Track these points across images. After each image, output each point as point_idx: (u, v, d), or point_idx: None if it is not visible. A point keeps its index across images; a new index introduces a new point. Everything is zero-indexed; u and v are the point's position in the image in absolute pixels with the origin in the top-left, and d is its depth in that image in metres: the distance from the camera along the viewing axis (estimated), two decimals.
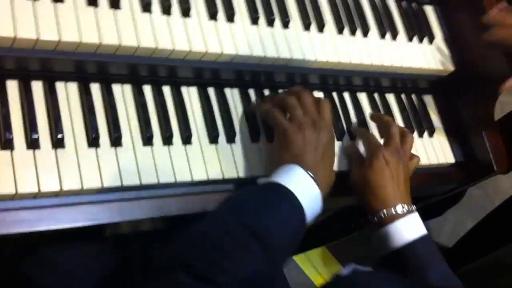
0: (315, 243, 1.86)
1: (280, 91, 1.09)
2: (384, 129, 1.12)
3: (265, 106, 1.02)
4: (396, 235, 0.99)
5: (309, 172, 0.90)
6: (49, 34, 0.82)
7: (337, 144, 1.10)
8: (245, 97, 1.05)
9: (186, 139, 0.95)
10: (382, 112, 1.21)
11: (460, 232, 2.42)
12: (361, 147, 1.13)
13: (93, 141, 0.86)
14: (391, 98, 1.26)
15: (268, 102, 1.03)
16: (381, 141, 1.11)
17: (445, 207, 2.35)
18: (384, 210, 1.00)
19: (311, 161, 0.93)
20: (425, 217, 2.24)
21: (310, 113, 0.98)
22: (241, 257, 0.76)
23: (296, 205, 0.86)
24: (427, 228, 2.35)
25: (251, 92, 1.06)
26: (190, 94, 0.99)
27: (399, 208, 1.00)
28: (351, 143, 1.13)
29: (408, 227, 0.99)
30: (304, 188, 0.88)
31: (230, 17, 1.01)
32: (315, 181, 0.90)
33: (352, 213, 1.56)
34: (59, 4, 0.84)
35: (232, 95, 1.04)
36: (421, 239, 0.99)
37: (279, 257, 0.83)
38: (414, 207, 1.02)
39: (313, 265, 2.18)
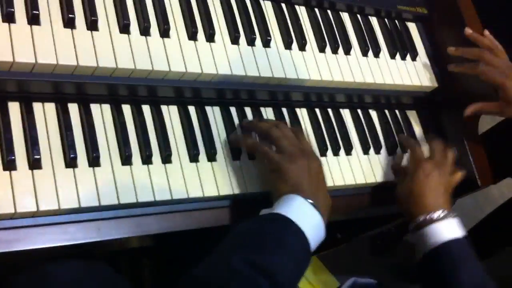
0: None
1: (262, 108, 1.10)
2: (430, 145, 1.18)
3: (249, 139, 1.03)
4: (432, 236, 1.04)
5: (309, 200, 0.91)
6: (25, 57, 0.82)
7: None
8: (226, 115, 1.05)
9: (166, 158, 0.95)
10: (366, 128, 1.22)
11: None
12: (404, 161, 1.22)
13: (70, 161, 0.87)
14: (374, 114, 1.26)
15: (249, 134, 1.04)
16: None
17: None
18: (423, 215, 1.06)
19: (309, 189, 0.94)
20: None
21: (295, 142, 1.00)
22: None
23: (301, 237, 0.87)
24: None
25: (233, 110, 1.06)
26: (170, 113, 1.00)
27: (437, 213, 1.05)
28: (394, 161, 1.22)
29: (444, 229, 1.04)
30: (307, 216, 0.90)
31: (211, 36, 1.01)
32: (316, 207, 0.91)
33: (339, 226, 1.56)
34: (35, 27, 0.85)
35: (213, 113, 1.04)
36: (457, 241, 1.03)
37: None
38: (454, 214, 1.07)
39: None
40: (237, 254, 0.81)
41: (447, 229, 1.05)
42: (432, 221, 1.05)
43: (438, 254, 1.03)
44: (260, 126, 1.04)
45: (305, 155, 0.99)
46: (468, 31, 1.24)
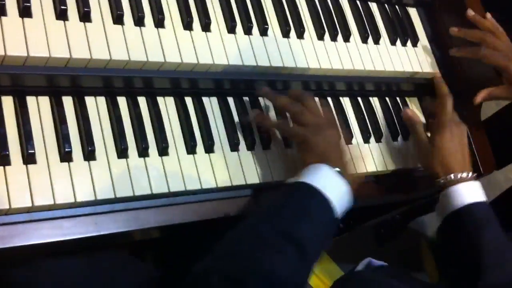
0: None
1: (261, 98, 1.08)
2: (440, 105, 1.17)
3: (272, 123, 1.04)
4: (456, 197, 1.05)
5: (336, 169, 0.92)
6: (17, 50, 0.81)
7: None
8: (224, 106, 1.03)
9: (163, 150, 0.94)
10: (366, 116, 1.20)
11: None
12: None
13: (65, 155, 0.86)
14: (375, 101, 1.24)
15: (267, 114, 1.06)
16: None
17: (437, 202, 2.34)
18: (452, 175, 1.07)
19: (336, 158, 0.95)
20: (419, 213, 2.24)
21: (318, 113, 1.00)
22: (276, 262, 0.78)
23: (327, 204, 0.87)
24: (422, 223, 2.36)
25: (231, 101, 1.05)
26: (167, 104, 0.98)
27: (464, 174, 1.07)
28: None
29: (470, 190, 1.06)
30: (333, 185, 0.90)
31: (206, 26, 0.99)
32: (342, 176, 0.92)
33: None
34: (27, 19, 0.83)
35: (211, 104, 1.03)
36: (479, 204, 1.05)
37: (313, 260, 0.85)
38: (475, 176, 1.09)
39: None
40: (264, 222, 0.83)
41: (472, 190, 1.06)
42: (458, 181, 1.07)
43: (463, 214, 1.04)
44: (279, 100, 1.03)
45: (331, 125, 1.00)
46: (470, 12, 1.23)
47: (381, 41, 1.22)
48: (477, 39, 1.20)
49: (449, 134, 1.11)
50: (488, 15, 1.24)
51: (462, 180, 1.07)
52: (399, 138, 1.23)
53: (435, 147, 1.12)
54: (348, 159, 1.02)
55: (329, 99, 1.17)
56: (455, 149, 1.11)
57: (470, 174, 1.09)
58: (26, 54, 0.81)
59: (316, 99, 1.12)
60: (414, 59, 1.25)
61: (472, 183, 1.08)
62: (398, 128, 1.23)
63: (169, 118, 0.97)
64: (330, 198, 0.87)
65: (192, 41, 0.97)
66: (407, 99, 1.29)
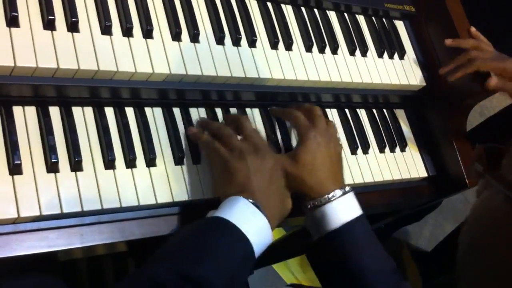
0: (290, 254, 1.85)
1: (248, 109, 1.08)
2: (308, 114, 1.05)
3: (203, 137, 0.97)
4: (333, 217, 0.96)
5: (254, 202, 0.86)
6: (3, 60, 0.80)
7: None
8: (212, 117, 1.03)
9: (150, 161, 0.94)
10: (353, 127, 1.20)
11: (439, 236, 2.43)
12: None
13: (52, 166, 0.85)
14: (362, 113, 1.25)
15: (203, 130, 0.99)
16: None
17: (424, 212, 2.36)
18: (323, 195, 0.97)
19: (256, 189, 0.89)
20: (404, 222, 2.24)
21: (251, 139, 0.94)
22: None
23: (239, 239, 0.82)
24: (406, 232, 2.36)
25: (219, 112, 1.05)
26: (155, 115, 0.98)
27: (337, 192, 0.97)
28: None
29: (345, 208, 0.97)
30: (248, 219, 0.84)
31: (195, 37, 0.99)
32: (261, 210, 0.86)
33: None
34: (14, 29, 0.83)
35: (199, 114, 1.02)
36: (358, 220, 0.97)
37: None
38: (349, 188, 0.99)
39: (291, 271, 2.17)
40: (163, 264, 0.76)
41: (348, 207, 0.97)
42: (329, 200, 0.97)
43: (340, 235, 0.95)
44: (212, 124, 0.99)
45: (260, 153, 0.92)
46: (448, 42, 1.24)
47: (368, 53, 1.22)
48: (472, 46, 1.21)
49: (314, 145, 0.99)
50: (473, 28, 1.26)
51: (339, 196, 0.97)
52: (386, 150, 1.24)
53: (299, 164, 0.99)
54: (277, 188, 0.94)
55: None
56: (324, 161, 0.99)
57: (346, 187, 0.99)
58: (13, 64, 0.81)
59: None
60: (401, 72, 1.26)
61: (346, 198, 0.98)
62: (385, 140, 1.24)
63: (156, 128, 0.97)
64: (246, 233, 0.82)
65: (181, 51, 0.97)
66: (394, 110, 1.30)
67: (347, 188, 0.99)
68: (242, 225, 0.82)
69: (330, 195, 0.97)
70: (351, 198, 0.99)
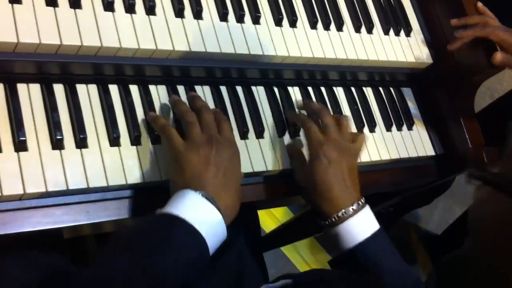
0: (299, 236, 1.85)
1: (253, 87, 1.08)
2: (318, 118, 1.03)
3: (159, 121, 0.92)
4: (347, 235, 0.95)
5: (205, 194, 0.83)
6: (6, 36, 0.80)
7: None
8: (217, 95, 1.03)
9: (155, 139, 0.94)
10: (360, 106, 1.20)
11: (449, 219, 2.43)
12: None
13: (57, 142, 0.85)
14: (369, 91, 1.24)
15: (162, 116, 0.95)
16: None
17: (433, 195, 2.35)
18: (336, 214, 0.95)
19: (209, 182, 0.85)
20: (414, 206, 2.24)
21: (208, 130, 0.90)
22: None
23: (193, 236, 0.79)
24: (416, 216, 2.35)
25: (223, 90, 1.05)
26: (159, 93, 0.98)
27: (350, 209, 0.95)
28: (293, 141, 1.07)
29: (359, 226, 0.95)
30: (200, 213, 0.81)
31: (198, 13, 0.99)
32: (212, 202, 0.83)
33: None
34: (16, 5, 0.83)
35: (203, 92, 1.02)
36: (373, 237, 0.95)
37: None
38: (364, 200, 0.98)
39: (300, 254, 2.18)
40: (120, 256, 0.75)
41: (363, 224, 0.96)
42: (345, 218, 0.95)
43: (356, 254, 0.94)
44: (178, 107, 0.94)
45: (214, 144, 0.88)
46: (453, 22, 1.23)
47: (374, 30, 1.21)
48: (479, 22, 1.20)
49: (323, 164, 0.96)
50: (479, 3, 1.24)
51: (353, 213, 0.95)
52: (393, 128, 1.23)
53: (312, 182, 0.97)
54: (232, 181, 0.89)
55: (323, 88, 1.17)
56: (336, 179, 0.96)
57: (360, 202, 0.96)
58: (16, 40, 0.81)
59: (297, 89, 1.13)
60: (407, 48, 1.25)
61: (360, 215, 0.95)
62: (392, 118, 1.23)
63: (160, 106, 0.97)
64: (198, 228, 0.79)
65: (184, 28, 0.96)
66: (401, 89, 1.29)
67: (361, 202, 0.97)
68: (192, 219, 0.79)
69: (342, 213, 0.95)
70: (365, 213, 0.97)
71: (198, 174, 0.85)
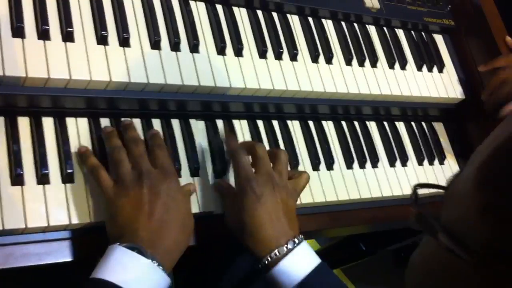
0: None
1: (289, 122, 1.10)
2: (250, 152, 0.93)
3: (89, 161, 0.84)
4: (286, 276, 0.83)
5: (132, 245, 0.75)
6: (60, 73, 0.84)
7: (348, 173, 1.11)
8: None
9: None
10: (391, 139, 1.21)
11: None
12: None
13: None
14: (401, 126, 1.26)
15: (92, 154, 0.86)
16: None
17: None
18: (269, 254, 0.84)
19: (143, 227, 0.77)
20: None
21: (137, 166, 0.82)
22: None
23: None
24: None
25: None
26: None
27: (284, 248, 0.84)
28: (219, 180, 0.96)
29: (298, 264, 0.84)
30: (129, 270, 0.73)
31: (239, 51, 1.02)
32: (145, 254, 0.75)
33: (364, 238, 1.56)
34: (69, 44, 0.87)
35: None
36: (315, 272, 0.84)
37: None
38: (301, 237, 0.87)
39: None
40: None
41: (302, 261, 0.84)
42: (279, 258, 0.83)
43: None
44: (107, 144, 0.86)
45: (144, 180, 0.79)
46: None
47: (407, 66, 1.23)
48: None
49: (251, 200, 0.86)
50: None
51: (287, 251, 0.84)
52: (425, 162, 1.24)
53: (241, 221, 0.86)
54: (174, 220, 0.80)
55: (356, 123, 1.19)
56: (267, 216, 0.85)
57: (296, 239, 0.85)
58: (68, 77, 0.84)
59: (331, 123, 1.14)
60: (440, 84, 1.26)
61: (300, 249, 0.84)
62: (424, 152, 1.25)
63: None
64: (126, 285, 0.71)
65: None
66: (433, 123, 1.31)
67: (297, 239, 0.86)
68: (121, 281, 0.71)
69: (275, 254, 0.84)
70: (303, 249, 0.85)
71: (130, 222, 0.77)
